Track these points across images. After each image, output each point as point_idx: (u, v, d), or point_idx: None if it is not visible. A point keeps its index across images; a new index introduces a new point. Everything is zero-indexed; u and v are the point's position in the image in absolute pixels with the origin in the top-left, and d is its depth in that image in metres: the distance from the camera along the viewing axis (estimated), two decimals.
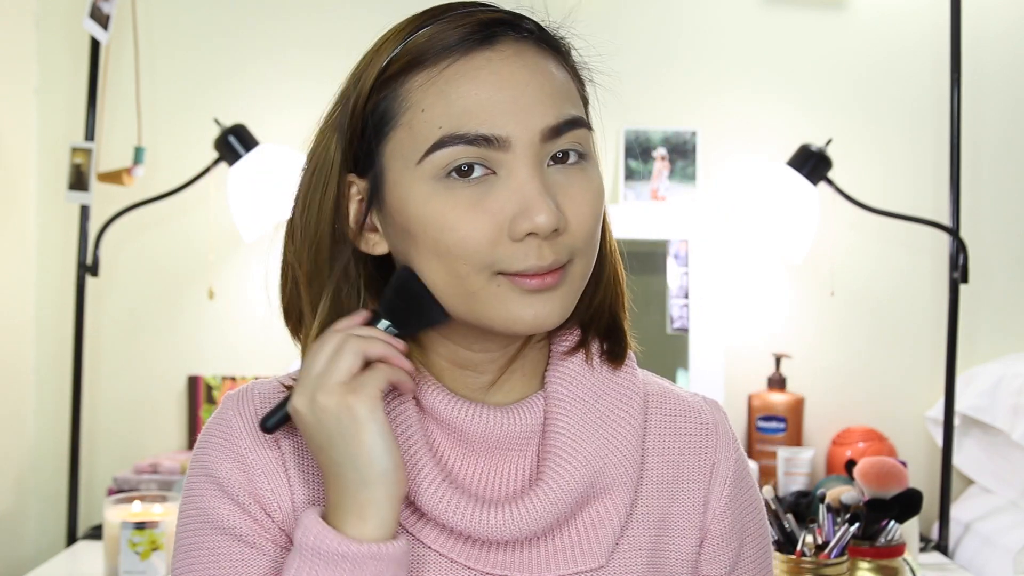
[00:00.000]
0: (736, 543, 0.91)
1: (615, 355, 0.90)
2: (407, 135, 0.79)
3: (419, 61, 0.79)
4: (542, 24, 0.84)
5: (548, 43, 0.83)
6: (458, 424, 0.84)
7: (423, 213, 0.78)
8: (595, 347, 0.90)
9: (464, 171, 0.78)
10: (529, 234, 0.77)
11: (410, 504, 0.83)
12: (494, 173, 0.78)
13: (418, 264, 0.81)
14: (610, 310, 0.90)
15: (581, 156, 0.81)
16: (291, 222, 0.86)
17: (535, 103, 0.78)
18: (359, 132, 0.82)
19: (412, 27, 0.81)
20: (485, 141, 0.77)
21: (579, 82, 0.86)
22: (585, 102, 0.86)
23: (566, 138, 0.80)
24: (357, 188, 0.84)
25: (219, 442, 0.85)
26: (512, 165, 0.78)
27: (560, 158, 0.80)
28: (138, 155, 2.10)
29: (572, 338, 0.90)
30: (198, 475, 0.86)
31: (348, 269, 0.85)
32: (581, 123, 0.81)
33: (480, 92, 0.78)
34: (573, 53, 0.86)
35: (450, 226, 0.77)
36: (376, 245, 0.84)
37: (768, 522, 0.97)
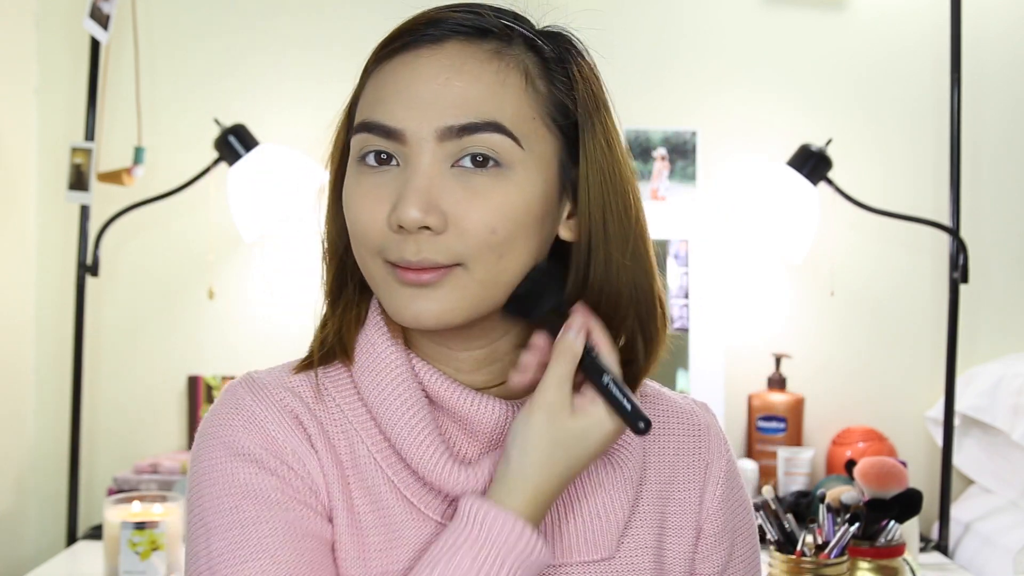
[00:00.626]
0: (728, 542, 0.93)
1: (636, 352, 0.88)
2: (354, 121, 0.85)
3: (378, 55, 0.84)
4: (531, 32, 0.84)
5: (529, 49, 0.83)
6: (465, 414, 0.85)
7: (344, 193, 0.84)
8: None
9: (383, 159, 0.81)
10: (401, 227, 0.78)
11: (426, 486, 0.84)
12: (398, 164, 0.81)
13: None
14: (636, 324, 0.86)
15: (498, 163, 0.80)
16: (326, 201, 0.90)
17: (438, 102, 0.79)
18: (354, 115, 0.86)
19: (404, 23, 0.84)
20: (383, 131, 0.80)
21: (561, 96, 0.83)
22: (569, 117, 0.83)
23: (472, 141, 0.79)
24: None
25: (242, 424, 0.83)
26: (408, 158, 0.80)
27: (480, 162, 0.79)
28: (138, 155, 2.10)
29: None
30: (223, 456, 0.82)
31: (344, 245, 0.88)
32: (494, 129, 0.79)
33: (394, 86, 0.81)
34: (577, 58, 0.85)
35: (350, 206, 0.82)
36: None
37: (755, 522, 0.98)
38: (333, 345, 0.87)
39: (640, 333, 0.86)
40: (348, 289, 0.88)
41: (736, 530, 0.94)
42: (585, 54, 0.86)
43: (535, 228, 0.82)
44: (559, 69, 0.84)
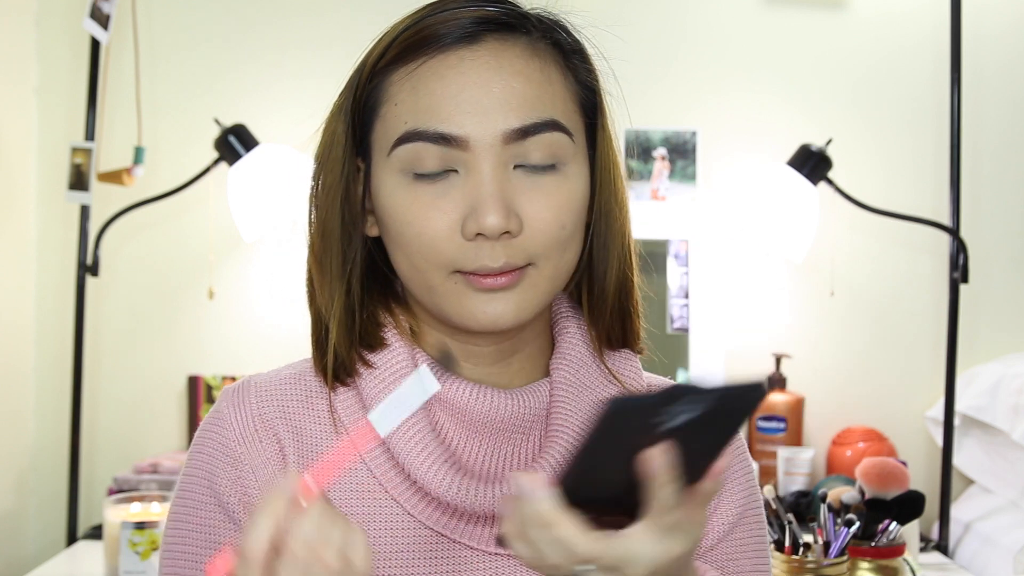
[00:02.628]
0: (726, 523, 0.90)
1: (625, 342, 0.91)
2: (382, 127, 0.82)
3: (402, 56, 0.81)
4: (547, 20, 0.84)
5: (550, 41, 0.83)
6: (462, 405, 0.84)
7: (389, 204, 0.81)
8: (602, 337, 0.90)
9: (432, 172, 0.79)
10: (479, 235, 0.77)
11: (414, 486, 0.83)
12: (456, 172, 0.79)
13: (390, 252, 0.83)
14: (620, 309, 0.89)
15: (555, 161, 0.80)
16: (309, 205, 0.87)
17: (499, 105, 0.78)
18: (359, 117, 0.84)
19: (412, 19, 0.82)
20: (444, 139, 0.78)
21: (582, 85, 0.85)
22: (590, 106, 0.85)
23: (535, 141, 0.79)
24: (361, 170, 0.85)
25: (212, 439, 0.86)
26: (471, 164, 0.78)
27: (535, 162, 0.79)
28: (138, 155, 2.10)
29: (577, 329, 0.90)
30: (193, 479, 0.86)
31: (357, 253, 0.85)
32: (553, 127, 0.80)
33: (445, 91, 0.78)
34: (592, 53, 0.85)
35: (408, 221, 0.79)
36: (372, 227, 0.86)
37: (765, 513, 0.96)
38: (345, 364, 0.85)
39: (621, 319, 0.89)
40: (355, 304, 0.85)
41: (745, 512, 0.92)
42: (579, 33, 0.86)
43: (584, 216, 0.84)
44: (577, 56, 0.85)
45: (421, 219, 0.79)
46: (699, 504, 0.69)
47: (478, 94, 0.78)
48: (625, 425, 0.64)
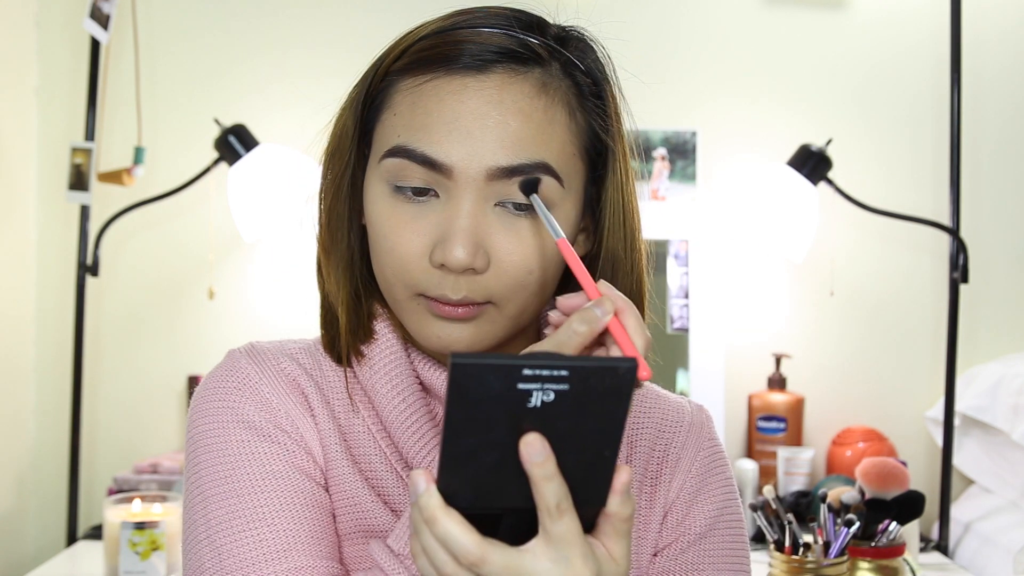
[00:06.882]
0: (694, 532, 0.90)
1: None
2: (380, 132, 0.82)
3: (412, 66, 0.80)
4: (568, 55, 0.82)
5: (568, 79, 0.81)
6: None
7: (371, 211, 0.81)
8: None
9: (416, 187, 0.79)
10: (444, 265, 0.77)
11: (409, 465, 0.84)
12: (437, 196, 0.79)
13: (371, 251, 0.83)
14: None
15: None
16: (318, 198, 0.88)
17: (490, 141, 0.77)
18: (367, 112, 0.84)
19: (435, 26, 0.81)
20: (428, 162, 0.77)
21: (592, 127, 0.83)
22: (598, 148, 0.84)
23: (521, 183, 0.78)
24: (367, 158, 0.85)
25: (238, 388, 0.84)
26: (452, 193, 0.78)
27: (519, 202, 0.78)
28: (138, 155, 2.10)
29: None
30: (219, 421, 0.83)
31: (361, 242, 0.86)
32: (542, 170, 0.78)
33: (441, 114, 0.78)
34: (607, 77, 0.85)
35: (385, 234, 0.80)
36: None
37: (743, 522, 0.95)
38: (347, 346, 0.86)
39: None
40: (359, 291, 0.87)
41: (713, 519, 0.91)
42: (605, 57, 0.86)
43: (561, 259, 0.82)
44: (593, 96, 0.84)
45: (395, 236, 0.79)
46: (616, 534, 0.65)
47: (472, 125, 0.77)
48: (485, 393, 0.59)
